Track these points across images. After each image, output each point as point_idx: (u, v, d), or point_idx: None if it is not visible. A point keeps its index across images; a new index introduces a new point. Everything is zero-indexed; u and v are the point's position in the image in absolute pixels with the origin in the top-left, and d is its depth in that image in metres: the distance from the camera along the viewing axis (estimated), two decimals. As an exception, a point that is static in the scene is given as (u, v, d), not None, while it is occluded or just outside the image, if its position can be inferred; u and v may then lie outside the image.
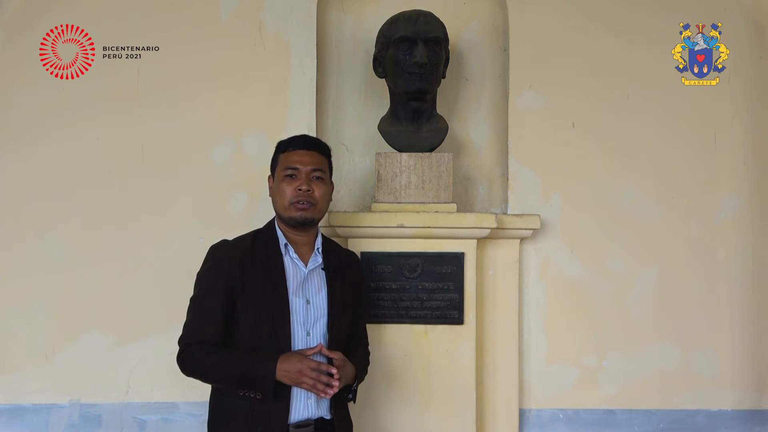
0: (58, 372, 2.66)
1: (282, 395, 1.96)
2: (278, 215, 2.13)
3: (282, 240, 2.09)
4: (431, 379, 2.55)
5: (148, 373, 2.66)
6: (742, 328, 2.79)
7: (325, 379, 1.92)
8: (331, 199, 2.20)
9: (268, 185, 2.17)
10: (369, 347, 2.31)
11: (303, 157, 2.09)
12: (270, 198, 2.16)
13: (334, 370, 1.93)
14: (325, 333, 2.05)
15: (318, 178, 2.09)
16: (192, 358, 2.00)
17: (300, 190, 2.05)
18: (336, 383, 1.93)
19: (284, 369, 1.91)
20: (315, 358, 1.98)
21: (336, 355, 1.98)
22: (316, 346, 1.97)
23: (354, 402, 2.13)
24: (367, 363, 2.25)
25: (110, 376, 2.67)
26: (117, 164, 2.70)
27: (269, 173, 2.18)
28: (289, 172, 2.08)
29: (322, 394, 1.93)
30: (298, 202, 2.05)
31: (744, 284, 2.79)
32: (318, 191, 2.08)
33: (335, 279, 2.10)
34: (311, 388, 1.92)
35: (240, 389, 1.96)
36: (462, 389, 2.55)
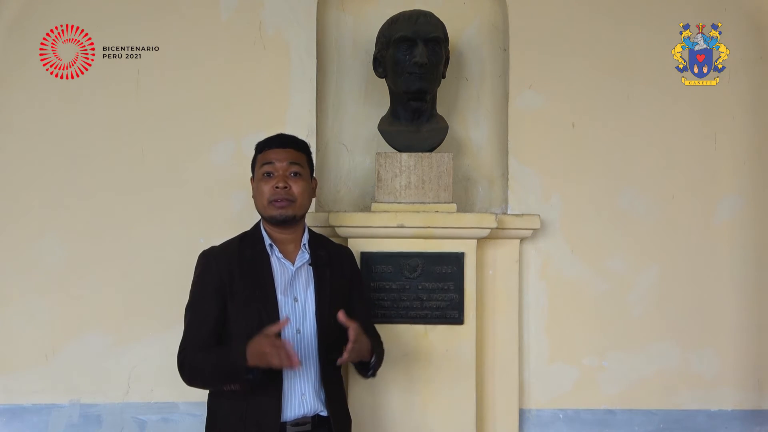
0: (58, 372, 2.66)
1: (272, 390, 1.97)
2: (261, 215, 2.14)
3: (267, 240, 2.10)
4: (431, 379, 2.55)
5: (148, 373, 2.66)
6: (742, 328, 2.79)
7: (284, 352, 1.83)
8: (314, 195, 2.20)
9: (251, 187, 2.18)
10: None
11: (279, 155, 2.09)
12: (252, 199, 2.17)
13: (283, 342, 1.85)
14: (315, 329, 2.05)
15: (296, 174, 2.09)
16: (186, 363, 2.02)
17: (277, 187, 2.06)
18: (292, 354, 1.84)
19: (250, 352, 1.87)
20: (300, 337, 2.02)
21: (352, 324, 1.96)
22: (281, 321, 1.94)
23: (374, 377, 2.14)
24: (382, 347, 2.22)
25: (110, 376, 2.67)
26: (117, 164, 2.70)
27: (251, 175, 2.19)
28: (266, 169, 2.09)
29: (293, 367, 1.85)
30: (276, 200, 2.06)
31: (744, 284, 2.79)
32: (296, 187, 2.08)
33: (323, 274, 2.11)
34: (279, 363, 1.84)
35: (223, 384, 1.98)
36: (462, 389, 2.55)
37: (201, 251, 2.14)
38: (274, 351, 1.84)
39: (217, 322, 2.03)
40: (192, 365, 2.01)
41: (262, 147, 2.15)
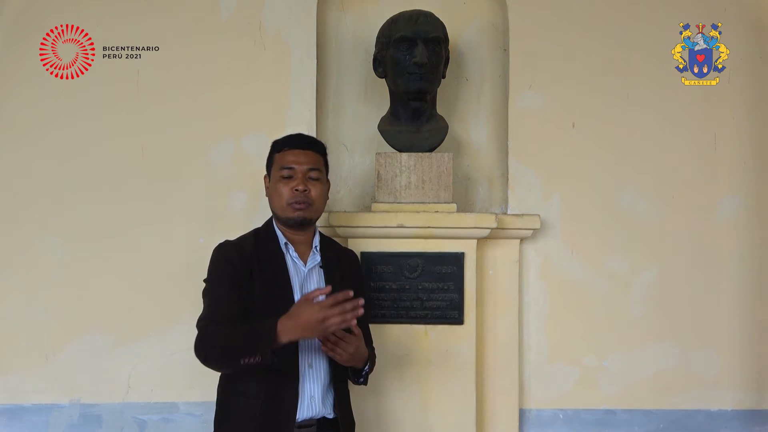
0: (58, 372, 2.66)
1: (289, 390, 1.95)
2: (276, 215, 2.13)
3: (282, 239, 2.10)
4: (431, 379, 2.55)
5: (148, 373, 2.66)
6: (742, 328, 2.79)
7: (350, 306, 1.82)
8: (327, 198, 2.20)
9: (264, 185, 2.17)
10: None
11: (299, 157, 2.08)
12: (267, 198, 2.16)
13: (351, 293, 1.85)
14: None
15: (314, 178, 2.09)
16: (207, 334, 1.93)
17: (297, 190, 2.05)
18: (361, 302, 1.85)
19: (299, 322, 1.81)
20: (314, 353, 2.00)
21: (356, 330, 1.96)
22: (319, 289, 1.89)
23: (365, 384, 2.13)
24: (374, 358, 2.23)
25: (110, 376, 2.67)
26: (117, 164, 2.70)
27: (265, 173, 2.18)
28: (285, 172, 2.07)
29: (351, 322, 1.85)
30: (296, 203, 2.05)
31: (744, 284, 2.79)
32: (314, 191, 2.08)
33: (334, 277, 2.10)
34: (342, 322, 1.82)
35: (243, 357, 1.85)
36: (462, 389, 2.55)
37: (215, 246, 2.09)
38: (336, 311, 1.81)
39: (240, 303, 1.97)
40: (215, 337, 1.91)
41: (281, 146, 2.13)
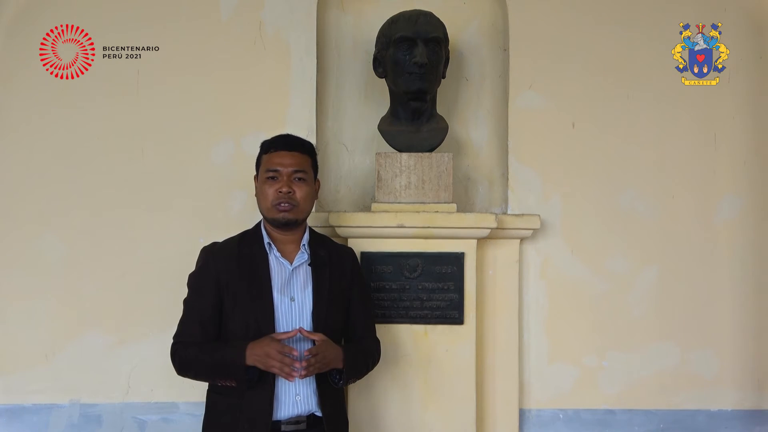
0: (58, 372, 2.66)
1: (265, 389, 1.98)
2: (263, 216, 2.16)
3: (266, 239, 2.12)
4: (431, 379, 2.55)
5: (148, 373, 2.66)
6: (742, 328, 2.79)
7: (289, 361, 1.92)
8: (316, 198, 2.22)
9: (254, 185, 2.20)
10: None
11: (284, 159, 2.10)
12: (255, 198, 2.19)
13: (296, 353, 1.95)
14: (311, 329, 2.05)
15: (300, 179, 2.11)
16: (177, 356, 2.06)
17: (281, 192, 2.08)
18: (300, 366, 1.93)
19: (254, 353, 1.94)
20: (299, 343, 2.01)
21: (317, 337, 1.99)
22: (292, 331, 1.99)
23: (341, 386, 2.10)
24: (372, 353, 2.22)
25: (110, 376, 2.67)
26: (117, 164, 2.70)
27: (255, 173, 2.21)
28: (271, 174, 2.10)
29: (290, 378, 1.94)
30: (280, 204, 2.08)
31: (744, 284, 2.79)
32: (300, 192, 2.10)
33: (322, 274, 2.12)
34: (280, 372, 1.93)
35: (217, 379, 2.00)
36: (462, 389, 2.55)
37: (203, 247, 2.17)
38: (278, 361, 1.92)
39: (211, 319, 2.06)
40: (184, 358, 2.04)
41: (268, 147, 2.15)
